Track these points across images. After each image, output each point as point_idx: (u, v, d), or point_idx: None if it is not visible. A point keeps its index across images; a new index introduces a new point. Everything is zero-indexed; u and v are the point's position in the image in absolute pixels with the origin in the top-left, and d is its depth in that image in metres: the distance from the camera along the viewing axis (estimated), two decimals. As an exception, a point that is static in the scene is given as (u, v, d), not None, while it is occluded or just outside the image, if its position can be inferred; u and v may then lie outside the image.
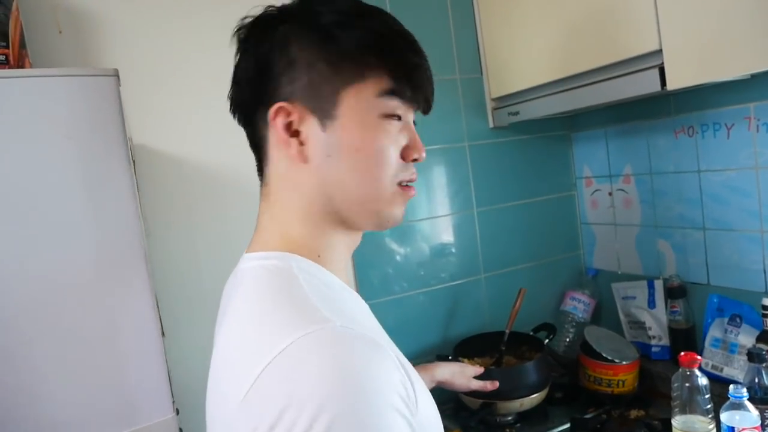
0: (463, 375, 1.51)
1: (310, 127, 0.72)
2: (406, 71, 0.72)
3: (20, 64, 1.21)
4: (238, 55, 0.76)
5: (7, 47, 1.18)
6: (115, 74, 1.06)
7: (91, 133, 1.05)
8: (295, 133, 0.72)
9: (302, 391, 0.56)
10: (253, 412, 0.59)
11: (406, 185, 0.76)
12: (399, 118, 0.74)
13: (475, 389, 1.51)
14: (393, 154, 0.73)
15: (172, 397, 1.14)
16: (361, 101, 0.71)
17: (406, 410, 0.59)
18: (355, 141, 0.71)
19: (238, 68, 0.76)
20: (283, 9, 0.75)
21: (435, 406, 0.79)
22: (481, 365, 1.58)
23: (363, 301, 0.82)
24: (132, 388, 1.08)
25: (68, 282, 1.04)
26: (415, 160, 0.76)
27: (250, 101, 0.75)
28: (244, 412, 0.59)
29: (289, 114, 0.71)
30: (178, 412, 1.16)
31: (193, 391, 1.49)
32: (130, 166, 1.08)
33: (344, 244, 0.80)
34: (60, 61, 1.43)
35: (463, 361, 1.63)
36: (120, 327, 1.08)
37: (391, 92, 0.71)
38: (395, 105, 0.72)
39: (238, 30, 0.76)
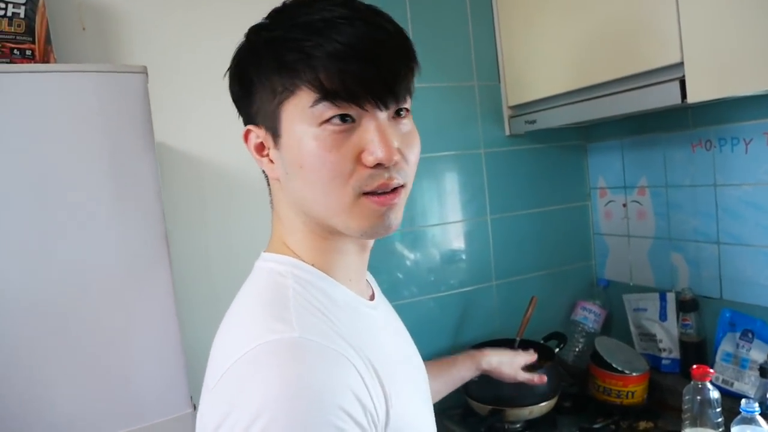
0: (512, 365, 1.41)
1: (271, 146, 0.73)
2: (337, 74, 0.65)
3: (45, 60, 1.23)
4: None
5: (34, 42, 1.20)
6: (144, 71, 1.07)
7: (118, 129, 1.06)
8: (267, 153, 0.75)
9: (245, 397, 0.60)
10: (209, 410, 0.64)
11: (381, 194, 0.69)
12: (351, 119, 0.67)
13: (522, 381, 1.43)
14: (340, 163, 0.67)
15: (190, 393, 1.14)
16: (297, 115, 0.68)
17: (352, 425, 0.60)
18: (296, 157, 0.69)
19: None
20: (247, 34, 0.75)
21: (428, 418, 0.82)
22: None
23: (375, 312, 0.82)
24: (151, 383, 1.09)
25: (91, 277, 1.05)
26: (378, 165, 0.68)
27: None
28: (205, 408, 0.65)
29: (257, 136, 0.74)
30: (195, 408, 1.17)
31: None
32: (156, 164, 1.09)
33: (352, 253, 0.79)
34: (83, 58, 1.45)
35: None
36: (140, 324, 1.10)
37: (323, 98, 0.66)
38: (332, 110, 0.66)
39: None
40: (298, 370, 0.60)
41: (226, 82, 0.79)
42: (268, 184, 0.81)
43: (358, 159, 0.68)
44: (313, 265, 0.75)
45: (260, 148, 0.75)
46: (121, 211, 1.07)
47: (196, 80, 1.58)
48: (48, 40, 1.24)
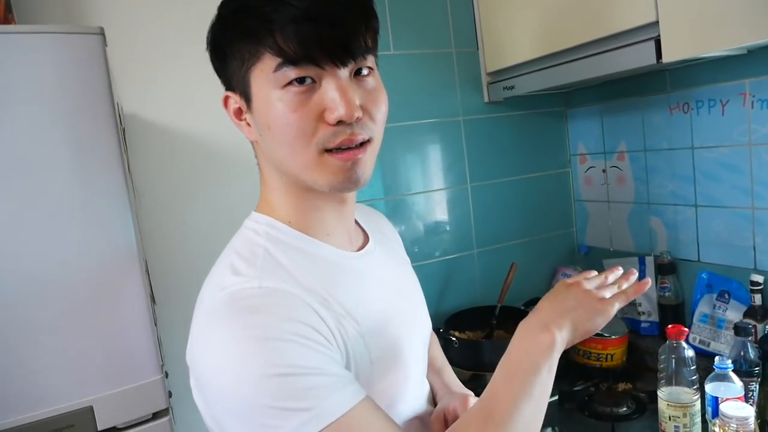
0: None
1: (245, 110, 0.77)
2: (293, 37, 0.68)
3: (5, 29, 1.19)
4: None
5: (-9, 11, 1.17)
6: (101, 32, 1.05)
7: (77, 92, 1.04)
8: (244, 118, 0.78)
9: (201, 353, 0.71)
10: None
11: (345, 150, 0.72)
12: (312, 81, 0.70)
13: None
14: (303, 122, 0.70)
15: (161, 360, 1.14)
16: (263, 79, 0.71)
17: (306, 341, 0.67)
18: (265, 119, 0.73)
19: None
20: (218, 7, 0.76)
21: (410, 354, 0.87)
22: (472, 338, 1.57)
23: (357, 261, 0.84)
24: (122, 350, 1.09)
25: (55, 247, 1.04)
26: (341, 122, 0.70)
27: None
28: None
29: (234, 101, 0.78)
30: (167, 375, 1.16)
31: (184, 357, 1.50)
32: (116, 126, 1.07)
33: (328, 210, 0.81)
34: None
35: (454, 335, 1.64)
36: (110, 293, 1.09)
37: (284, 63, 0.69)
38: (293, 73, 0.69)
39: None
40: (244, 319, 0.66)
41: (199, 54, 0.80)
42: (254, 147, 0.83)
43: (321, 117, 0.71)
44: (289, 222, 0.79)
45: (238, 112, 0.78)
46: (81, 177, 1.05)
47: (167, 52, 1.56)
48: (9, 8, 1.20)
